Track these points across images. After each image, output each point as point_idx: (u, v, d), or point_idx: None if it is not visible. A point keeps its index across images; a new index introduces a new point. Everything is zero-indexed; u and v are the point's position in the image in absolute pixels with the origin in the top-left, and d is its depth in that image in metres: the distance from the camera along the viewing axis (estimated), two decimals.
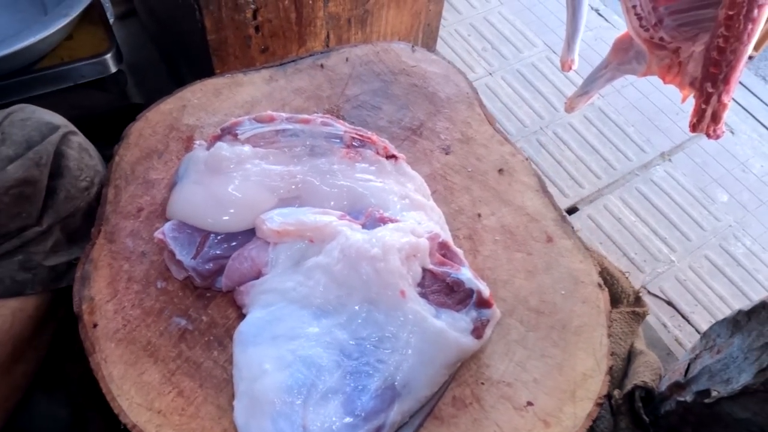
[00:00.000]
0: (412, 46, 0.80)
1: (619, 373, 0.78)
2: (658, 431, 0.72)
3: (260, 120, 0.64)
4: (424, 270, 0.56)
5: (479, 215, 0.64)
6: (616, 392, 0.74)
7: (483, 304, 0.56)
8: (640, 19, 1.01)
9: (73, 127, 0.68)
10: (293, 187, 0.62)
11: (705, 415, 0.65)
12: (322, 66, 0.78)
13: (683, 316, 1.31)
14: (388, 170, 0.63)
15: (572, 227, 0.67)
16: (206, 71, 0.99)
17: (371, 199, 0.61)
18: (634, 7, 1.01)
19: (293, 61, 0.78)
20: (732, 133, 1.70)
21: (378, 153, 0.63)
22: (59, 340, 0.73)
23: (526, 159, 0.71)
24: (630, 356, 0.79)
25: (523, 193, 0.69)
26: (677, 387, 0.69)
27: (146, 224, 0.64)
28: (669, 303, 1.37)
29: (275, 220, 0.59)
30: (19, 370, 0.65)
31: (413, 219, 0.59)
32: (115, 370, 0.55)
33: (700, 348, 0.70)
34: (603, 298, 0.62)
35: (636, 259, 1.46)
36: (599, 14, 1.93)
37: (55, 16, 0.91)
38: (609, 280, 0.89)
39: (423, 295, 0.55)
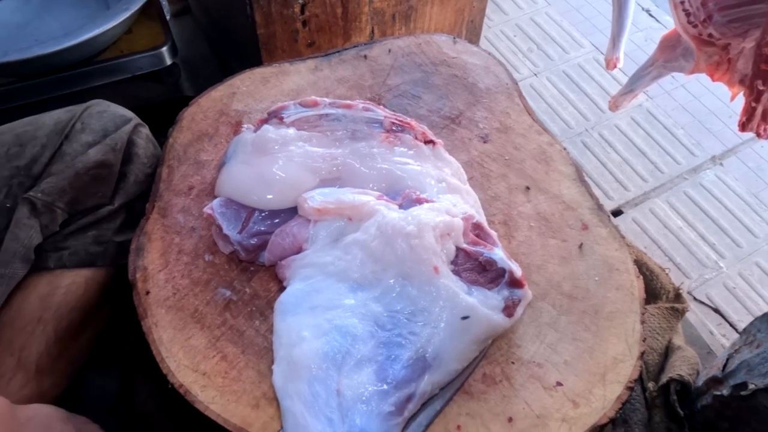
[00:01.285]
0: (454, 38, 0.83)
1: (655, 368, 0.78)
2: (693, 425, 0.72)
3: (305, 105, 0.68)
4: (458, 249, 0.59)
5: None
6: (650, 384, 0.74)
7: (515, 283, 0.58)
8: (688, 15, 1.01)
9: (141, 121, 0.75)
10: (334, 168, 0.65)
11: (742, 409, 0.64)
12: (365, 57, 0.82)
13: (731, 325, 1.29)
14: (426, 155, 0.65)
15: (608, 216, 0.68)
16: (255, 65, 1.04)
17: (408, 182, 0.64)
18: (682, 2, 1.01)
19: (338, 51, 0.82)
20: None
21: (416, 138, 0.66)
22: (114, 318, 0.78)
23: (564, 149, 0.73)
24: (668, 351, 0.79)
25: (559, 181, 0.70)
26: (714, 381, 0.69)
27: (196, 201, 0.69)
28: (716, 310, 1.35)
29: (316, 198, 0.62)
30: (85, 335, 0.72)
31: (449, 201, 0.61)
32: (164, 334, 0.60)
33: (739, 343, 0.70)
34: (638, 285, 0.63)
35: (682, 265, 1.43)
36: (650, 15, 1.91)
37: (117, 11, 0.98)
38: (648, 275, 0.89)
39: (456, 272, 0.57)
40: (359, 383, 0.53)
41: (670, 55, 1.09)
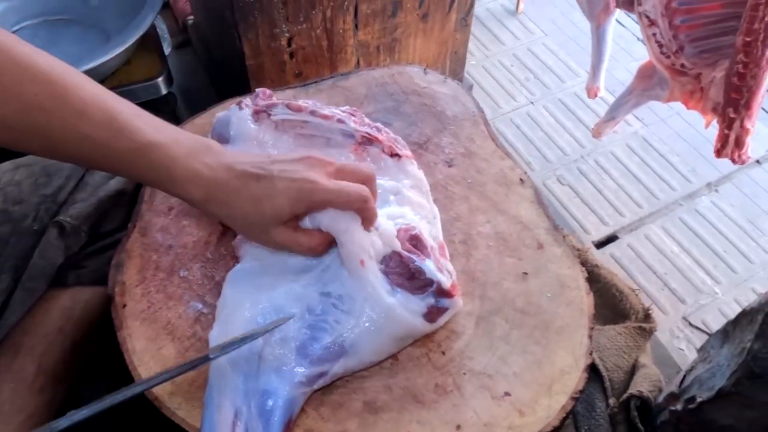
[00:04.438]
0: (425, 69, 0.89)
1: (621, 386, 0.81)
2: None
3: (291, 108, 0.75)
4: (393, 252, 0.63)
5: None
6: (612, 401, 0.77)
7: (443, 294, 0.63)
8: (661, 46, 1.07)
9: None
10: None
11: (694, 424, 0.67)
12: (341, 87, 0.88)
13: None
14: (387, 167, 0.71)
15: (563, 236, 0.72)
16: (247, 94, 1.11)
17: None
18: (654, 35, 1.07)
19: (315, 82, 0.89)
20: None
21: (383, 151, 0.71)
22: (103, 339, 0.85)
23: (525, 173, 0.78)
24: (634, 370, 0.82)
25: (518, 203, 0.75)
26: (672, 397, 0.72)
27: (175, 221, 0.75)
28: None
29: None
30: (91, 348, 0.80)
31: (396, 212, 0.67)
32: (138, 344, 0.65)
33: (696, 360, 0.73)
34: (587, 302, 0.67)
35: (678, 290, 1.46)
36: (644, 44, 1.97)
37: (115, 44, 1.07)
38: (618, 296, 0.93)
39: (384, 272, 0.63)
40: (280, 353, 0.59)
41: (647, 84, 1.14)
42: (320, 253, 0.63)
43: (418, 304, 0.62)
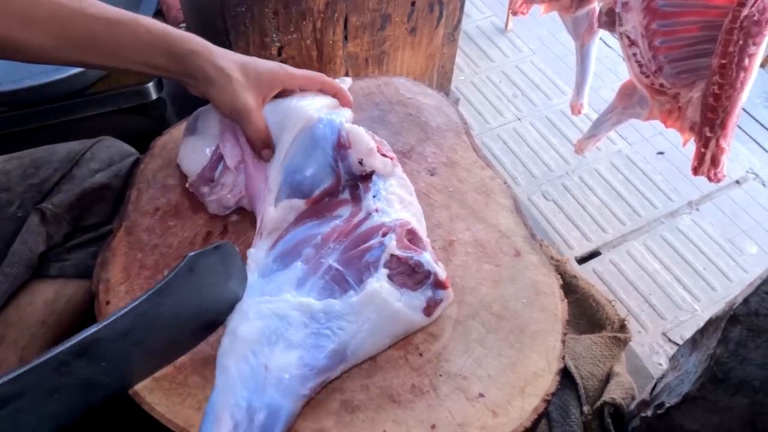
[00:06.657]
0: (411, 80, 0.92)
1: (595, 393, 0.83)
2: None
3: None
4: (392, 255, 0.66)
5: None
6: (586, 408, 0.80)
7: (438, 285, 0.66)
8: (640, 66, 1.11)
9: (141, 155, 0.87)
10: None
11: (663, 429, 0.70)
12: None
13: None
14: None
15: (540, 244, 0.75)
16: None
17: None
18: (634, 54, 1.11)
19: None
20: (764, 185, 1.73)
21: None
22: None
23: (504, 183, 0.81)
24: (608, 378, 0.85)
25: (497, 212, 0.78)
26: (643, 404, 0.74)
27: (160, 222, 0.77)
28: None
29: None
30: None
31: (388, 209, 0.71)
32: None
33: (668, 369, 0.76)
34: (561, 308, 0.70)
35: (658, 306, 1.49)
36: None
37: None
38: (594, 306, 0.96)
39: (390, 277, 0.65)
40: (286, 364, 0.61)
41: (627, 102, 1.18)
42: (261, 139, 0.73)
43: (419, 299, 0.65)
